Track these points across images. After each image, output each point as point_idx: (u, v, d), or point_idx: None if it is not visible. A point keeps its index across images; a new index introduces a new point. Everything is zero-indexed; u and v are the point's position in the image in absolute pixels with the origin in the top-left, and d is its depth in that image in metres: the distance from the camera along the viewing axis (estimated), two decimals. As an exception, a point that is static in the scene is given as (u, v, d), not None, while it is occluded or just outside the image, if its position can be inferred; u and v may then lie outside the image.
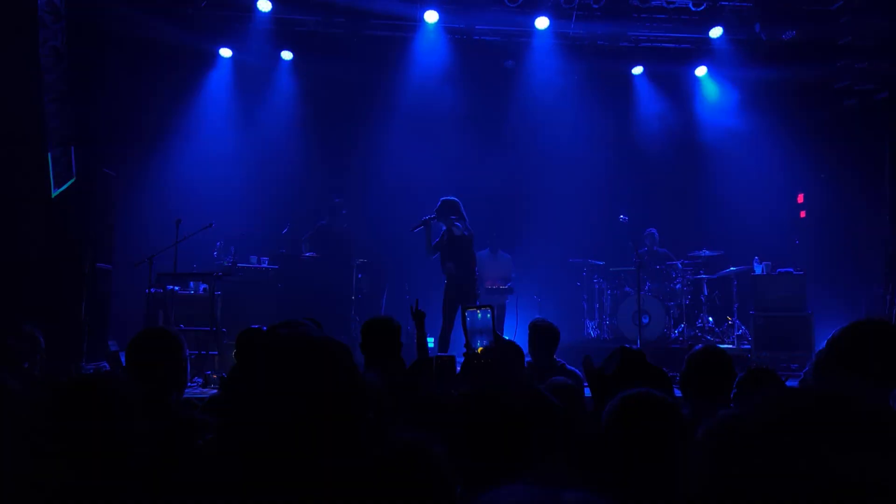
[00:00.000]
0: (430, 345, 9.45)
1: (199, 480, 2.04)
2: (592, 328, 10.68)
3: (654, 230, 10.60)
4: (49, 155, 6.85)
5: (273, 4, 10.01)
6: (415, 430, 1.91)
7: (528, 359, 5.02)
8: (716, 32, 10.38)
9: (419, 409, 3.04)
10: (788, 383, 3.60)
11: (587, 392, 3.48)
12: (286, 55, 11.10)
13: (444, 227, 8.18)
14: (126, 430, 1.91)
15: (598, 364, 3.12)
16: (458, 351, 8.44)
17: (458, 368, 4.26)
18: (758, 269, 9.38)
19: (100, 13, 7.87)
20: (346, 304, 9.86)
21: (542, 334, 5.01)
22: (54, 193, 6.98)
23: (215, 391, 6.20)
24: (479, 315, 4.61)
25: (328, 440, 1.54)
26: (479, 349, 4.52)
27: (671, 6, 10.05)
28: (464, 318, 4.57)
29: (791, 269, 9.27)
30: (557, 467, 1.95)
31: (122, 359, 3.02)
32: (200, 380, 7.68)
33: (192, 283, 9.13)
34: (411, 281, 10.04)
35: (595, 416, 2.50)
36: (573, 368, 4.84)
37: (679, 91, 11.57)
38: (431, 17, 10.23)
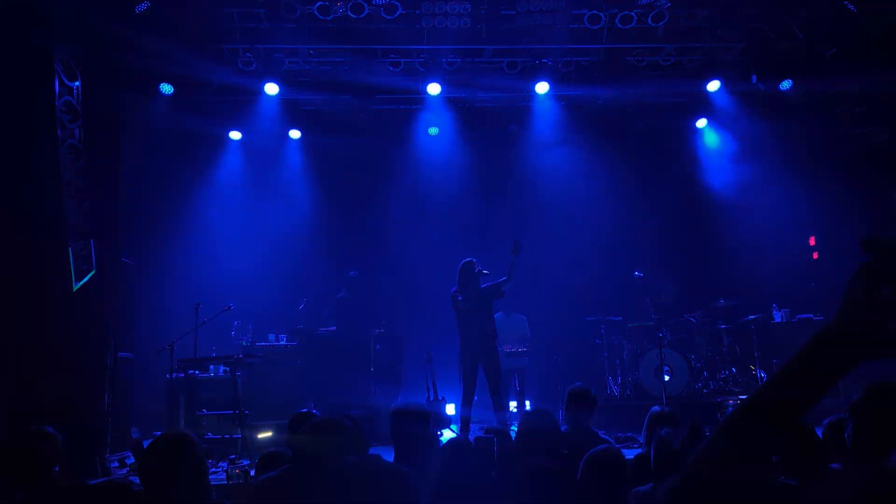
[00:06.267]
0: (452, 412, 9.43)
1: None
2: (614, 385, 10.57)
3: (668, 283, 10.59)
4: (70, 249, 6.96)
5: (280, 86, 10.24)
6: None
7: (563, 427, 4.97)
8: (713, 86, 10.53)
9: None
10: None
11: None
12: (294, 134, 11.33)
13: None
14: None
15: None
16: (480, 413, 8.41)
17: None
18: (777, 317, 9.33)
19: (114, 105, 8.08)
20: (366, 375, 9.84)
21: (580, 401, 4.93)
22: (75, 287, 7.07)
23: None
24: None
25: None
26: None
27: (667, 63, 10.27)
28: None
29: (811, 315, 9.22)
30: None
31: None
32: (225, 464, 7.55)
33: (212, 367, 9.13)
34: (429, 349, 10.00)
35: None
36: (606, 437, 4.77)
37: (682, 144, 11.71)
38: (434, 89, 10.39)
